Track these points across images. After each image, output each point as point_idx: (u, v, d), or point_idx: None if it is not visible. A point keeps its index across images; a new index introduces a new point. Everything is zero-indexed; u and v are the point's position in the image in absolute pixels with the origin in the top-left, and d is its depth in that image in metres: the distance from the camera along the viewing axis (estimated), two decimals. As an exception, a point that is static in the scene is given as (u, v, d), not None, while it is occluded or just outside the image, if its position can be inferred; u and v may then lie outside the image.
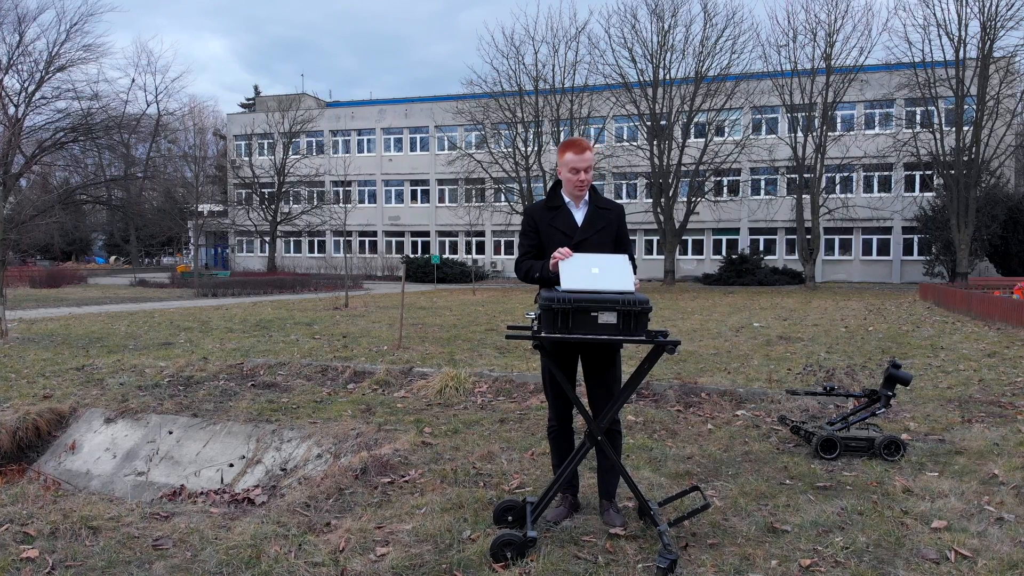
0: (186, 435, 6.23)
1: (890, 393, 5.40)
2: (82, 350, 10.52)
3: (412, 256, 45.52)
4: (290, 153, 42.96)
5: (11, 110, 34.16)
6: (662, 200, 35.40)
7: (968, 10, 29.43)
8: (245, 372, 8.45)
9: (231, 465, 5.72)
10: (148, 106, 48.94)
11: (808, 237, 33.75)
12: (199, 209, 45.20)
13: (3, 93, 33.98)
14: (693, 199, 35.85)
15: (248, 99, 71.98)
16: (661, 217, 35.40)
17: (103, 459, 6.20)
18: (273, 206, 43.14)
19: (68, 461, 6.27)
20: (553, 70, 36.40)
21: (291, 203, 45.52)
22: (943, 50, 29.72)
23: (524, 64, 36.76)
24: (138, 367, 8.70)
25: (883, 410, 5.44)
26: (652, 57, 34.05)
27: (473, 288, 32.67)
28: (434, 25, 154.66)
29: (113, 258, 65.18)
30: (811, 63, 32.44)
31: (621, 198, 44.06)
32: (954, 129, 30.31)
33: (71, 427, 6.59)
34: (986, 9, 28.83)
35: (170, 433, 6.14)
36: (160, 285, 32.84)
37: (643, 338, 3.39)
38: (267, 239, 45.03)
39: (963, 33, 29.56)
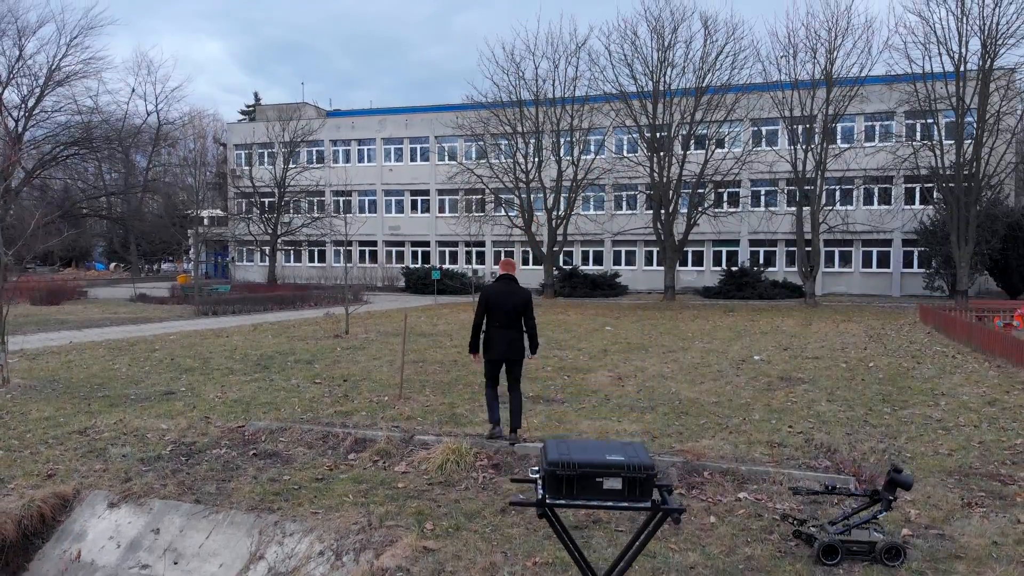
0: (189, 524, 6.24)
1: (891, 497, 5.42)
2: (84, 402, 10.54)
3: (412, 267, 45.59)
4: (290, 165, 42.81)
5: (11, 124, 34.18)
6: (662, 214, 35.41)
7: (968, 27, 29.47)
8: (247, 437, 8.47)
9: (234, 576, 5.74)
10: (148, 115, 49.11)
11: (808, 249, 33.71)
12: (200, 215, 45.16)
13: (3, 107, 33.99)
14: (694, 211, 35.82)
15: (248, 106, 72.05)
16: (662, 233, 35.43)
17: (107, 548, 6.22)
18: (273, 219, 43.02)
19: (73, 548, 6.29)
20: (553, 85, 36.43)
21: (292, 214, 45.37)
22: (943, 68, 29.74)
23: (524, 79, 36.78)
24: (140, 431, 8.72)
25: (884, 513, 5.46)
26: (652, 74, 34.05)
27: (473, 300, 32.65)
28: (430, 28, 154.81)
29: (113, 265, 65.18)
30: (811, 80, 32.43)
31: (621, 209, 44.15)
32: (954, 145, 30.31)
33: (75, 511, 6.61)
34: (986, 27, 28.86)
35: (177, 531, 6.15)
36: (160, 301, 32.85)
37: (648, 506, 3.40)
38: (267, 251, 44.97)
39: (963, 50, 29.59)
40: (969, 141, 30.40)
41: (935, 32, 29.63)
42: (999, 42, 28.71)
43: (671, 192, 34.93)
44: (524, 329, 7.87)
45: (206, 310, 27.99)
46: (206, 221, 73.15)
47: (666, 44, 33.47)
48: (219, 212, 67.07)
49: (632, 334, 20.63)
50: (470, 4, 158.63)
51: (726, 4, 72.48)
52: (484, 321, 7.86)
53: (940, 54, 29.62)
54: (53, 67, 34.84)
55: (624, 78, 34.85)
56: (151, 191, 43.46)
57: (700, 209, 35.69)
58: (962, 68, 29.45)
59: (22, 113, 34.94)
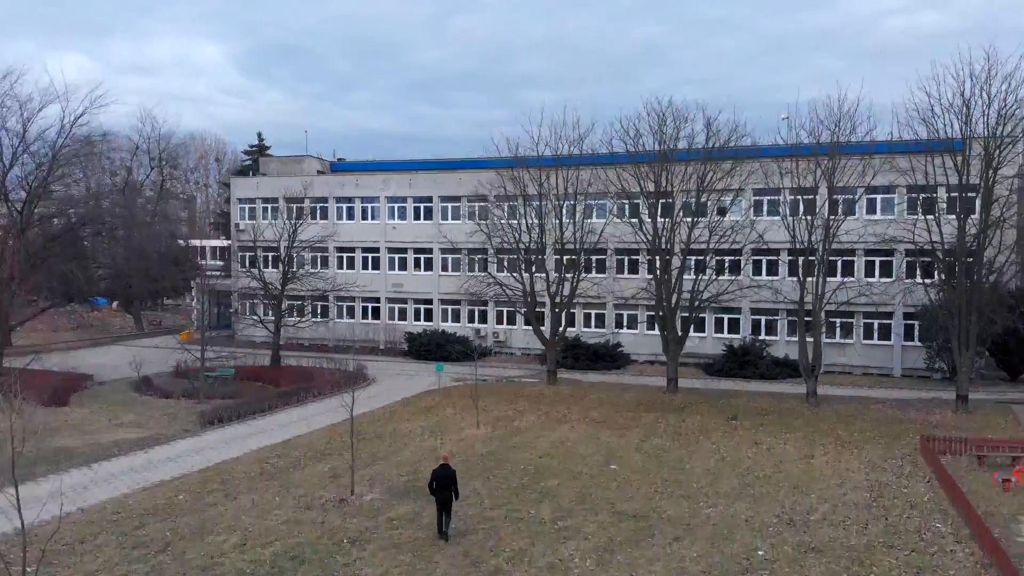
0: None
1: None
2: None
3: (415, 333, 46.07)
4: (295, 241, 42.10)
5: (15, 214, 34.35)
6: (663, 298, 35.44)
7: (971, 130, 29.55)
8: None
9: None
10: (151, 170, 49.00)
11: (810, 340, 33.67)
12: (200, 244, 45.22)
13: (7, 194, 34.13)
14: (695, 310, 35.94)
15: (251, 146, 72.16)
16: (664, 323, 35.66)
17: None
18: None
19: None
20: (556, 177, 36.68)
21: (296, 281, 44.80)
22: (947, 176, 29.84)
23: (528, 170, 37.23)
24: None
25: None
26: (655, 175, 34.39)
27: (475, 374, 31.88)
28: (426, 30, 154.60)
29: (115, 303, 65.39)
30: (814, 181, 32.73)
31: (623, 273, 44.31)
32: (956, 239, 30.41)
33: None
34: (989, 135, 28.97)
35: None
36: (165, 394, 33.20)
37: None
38: (271, 314, 44.83)
39: (967, 151, 29.67)
40: (972, 236, 30.47)
41: (938, 135, 29.74)
42: (1003, 152, 28.83)
43: (672, 290, 35.22)
44: (452, 489, 17.06)
45: (212, 418, 28.46)
46: (208, 254, 73.17)
47: (669, 146, 33.89)
48: (223, 241, 67.23)
49: (635, 484, 20.70)
50: (467, 6, 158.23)
51: (729, 101, 73.15)
52: (433, 485, 17.07)
53: (944, 162, 29.72)
54: (57, 150, 34.91)
55: (625, 182, 35.57)
56: (153, 265, 43.59)
57: (701, 303, 36.16)
58: (965, 175, 29.61)
59: (27, 194, 35.01)
